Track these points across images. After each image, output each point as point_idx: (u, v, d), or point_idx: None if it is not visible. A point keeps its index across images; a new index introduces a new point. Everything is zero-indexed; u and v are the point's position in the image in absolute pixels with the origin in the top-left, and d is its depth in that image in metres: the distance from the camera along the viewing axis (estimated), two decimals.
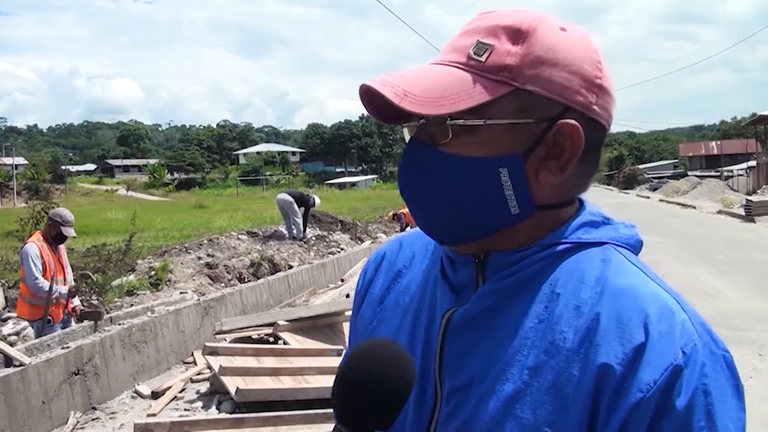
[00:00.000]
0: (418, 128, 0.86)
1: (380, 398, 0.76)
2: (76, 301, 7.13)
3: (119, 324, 6.82)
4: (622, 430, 0.74)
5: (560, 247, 0.85)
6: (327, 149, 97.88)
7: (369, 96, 0.84)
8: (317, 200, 16.02)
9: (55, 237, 6.67)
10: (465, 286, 0.89)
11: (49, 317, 6.51)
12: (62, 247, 6.85)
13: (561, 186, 0.86)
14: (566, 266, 0.84)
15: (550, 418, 0.77)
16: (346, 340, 7.26)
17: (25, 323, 7.15)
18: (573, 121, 0.82)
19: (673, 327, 0.76)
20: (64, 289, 6.65)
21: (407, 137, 0.90)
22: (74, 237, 7.20)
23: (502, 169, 0.82)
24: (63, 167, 77.12)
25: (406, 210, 20.12)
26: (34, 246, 6.45)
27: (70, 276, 6.93)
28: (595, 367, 0.76)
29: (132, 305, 8.95)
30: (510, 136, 0.82)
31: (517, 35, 0.82)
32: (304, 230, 15.25)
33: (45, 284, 6.35)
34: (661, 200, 44.68)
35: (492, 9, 0.88)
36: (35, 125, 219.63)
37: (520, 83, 0.81)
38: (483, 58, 0.82)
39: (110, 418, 5.70)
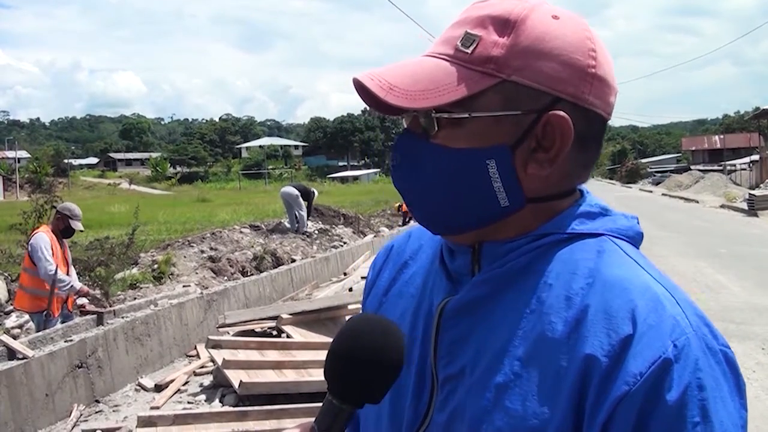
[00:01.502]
0: (411, 120, 0.87)
1: (368, 370, 0.77)
2: (82, 299, 7.14)
3: (122, 317, 6.83)
4: (609, 424, 0.72)
5: (554, 238, 0.84)
6: (329, 143, 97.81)
7: (363, 89, 0.84)
8: (316, 193, 16.16)
9: (63, 231, 6.67)
10: (462, 275, 0.89)
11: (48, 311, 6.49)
12: (65, 243, 6.85)
13: (555, 177, 0.84)
14: (560, 257, 0.83)
15: (538, 410, 0.76)
16: None
17: (27, 316, 7.16)
18: (562, 113, 0.81)
19: (662, 319, 0.74)
20: (78, 285, 6.66)
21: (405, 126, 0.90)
22: (82, 231, 7.21)
23: (489, 161, 0.82)
24: (66, 161, 77.31)
25: None
26: (45, 236, 6.45)
27: (73, 272, 6.94)
28: (581, 359, 0.74)
29: (135, 298, 8.97)
30: (498, 128, 0.81)
31: (504, 25, 0.81)
32: (306, 223, 15.27)
33: (61, 274, 6.35)
34: (663, 194, 44.64)
35: None
36: (38, 119, 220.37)
37: (506, 75, 0.80)
38: (469, 50, 0.81)
39: (113, 410, 5.72)
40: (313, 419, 0.79)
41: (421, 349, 0.90)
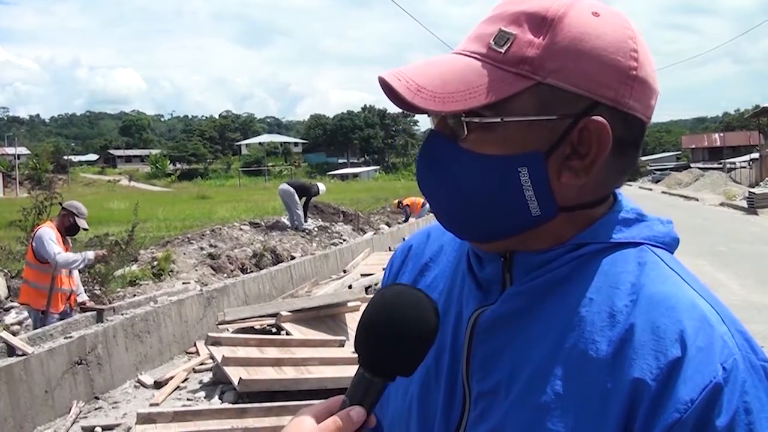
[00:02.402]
0: (439, 121, 0.83)
1: (399, 342, 0.75)
2: (83, 296, 7.15)
3: (122, 314, 6.83)
4: None
5: (592, 248, 0.80)
6: (329, 140, 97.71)
7: (389, 88, 0.79)
8: (321, 188, 16.01)
9: (68, 228, 6.69)
10: (492, 283, 0.85)
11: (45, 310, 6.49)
12: (68, 240, 6.86)
13: (590, 185, 0.80)
14: (600, 269, 0.79)
15: None
16: (349, 330, 7.25)
17: (26, 313, 7.15)
18: (600, 118, 0.76)
19: (712, 341, 0.71)
20: (91, 254, 6.72)
21: (433, 126, 0.86)
22: (86, 230, 7.21)
23: (521, 168, 0.77)
24: (65, 157, 77.18)
25: (411, 200, 20.14)
26: (50, 230, 6.46)
27: (75, 272, 6.93)
28: (629, 382, 0.71)
29: (135, 295, 8.98)
30: (531, 134, 0.77)
31: (541, 24, 0.76)
32: (305, 220, 15.27)
33: (69, 255, 6.39)
34: (663, 192, 44.63)
35: None
36: (37, 115, 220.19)
37: (541, 77, 0.75)
38: (503, 49, 0.77)
39: (113, 407, 5.72)
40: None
41: (451, 359, 0.86)
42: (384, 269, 1.09)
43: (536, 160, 0.77)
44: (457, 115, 0.77)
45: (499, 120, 0.76)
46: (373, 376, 0.76)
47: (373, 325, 0.77)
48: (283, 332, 7.08)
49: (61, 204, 7.09)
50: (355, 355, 0.79)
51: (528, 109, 0.76)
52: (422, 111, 0.78)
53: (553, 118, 0.77)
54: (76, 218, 6.66)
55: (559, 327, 0.77)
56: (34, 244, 6.43)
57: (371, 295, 9.09)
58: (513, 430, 0.77)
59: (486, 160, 0.78)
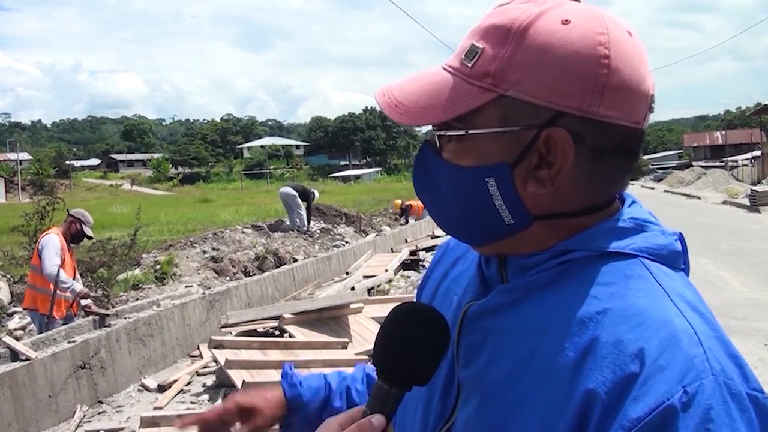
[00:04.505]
0: (430, 132, 0.86)
1: (414, 357, 0.80)
2: (86, 300, 7.14)
3: (125, 318, 6.84)
4: None
5: (580, 254, 0.80)
6: (331, 142, 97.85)
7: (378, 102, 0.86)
8: (316, 194, 16.16)
9: (74, 235, 6.71)
10: (494, 281, 0.89)
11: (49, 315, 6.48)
12: (72, 248, 6.86)
13: (565, 193, 0.80)
14: (583, 277, 0.78)
15: None
16: (351, 332, 7.23)
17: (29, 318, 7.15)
18: (560, 129, 0.76)
19: (674, 361, 0.67)
20: (79, 286, 6.65)
21: (427, 137, 0.91)
22: (92, 238, 7.21)
23: (488, 179, 0.79)
24: (67, 162, 77.37)
25: (413, 202, 20.16)
26: (57, 238, 6.46)
27: (78, 278, 6.94)
28: (584, 393, 0.70)
29: (137, 299, 8.99)
30: (496, 145, 0.78)
31: (505, 37, 0.77)
32: (308, 223, 15.30)
33: (63, 275, 6.33)
34: (665, 191, 44.61)
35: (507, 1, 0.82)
36: (39, 120, 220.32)
37: (503, 89, 0.76)
38: (470, 63, 0.79)
39: (117, 411, 5.73)
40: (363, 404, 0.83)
41: (452, 347, 0.90)
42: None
43: (502, 171, 0.79)
44: (432, 128, 0.83)
45: (464, 132, 0.80)
46: (391, 387, 0.81)
47: (390, 341, 0.82)
48: (286, 335, 7.08)
49: (68, 211, 7.10)
50: (358, 357, 0.81)
51: (492, 121, 0.78)
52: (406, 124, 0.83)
53: (515, 129, 0.78)
54: (83, 226, 6.69)
55: (535, 329, 0.78)
56: (40, 248, 6.43)
57: (374, 297, 9.10)
58: (486, 422, 0.80)
59: (459, 171, 0.81)
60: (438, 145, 0.84)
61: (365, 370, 1.26)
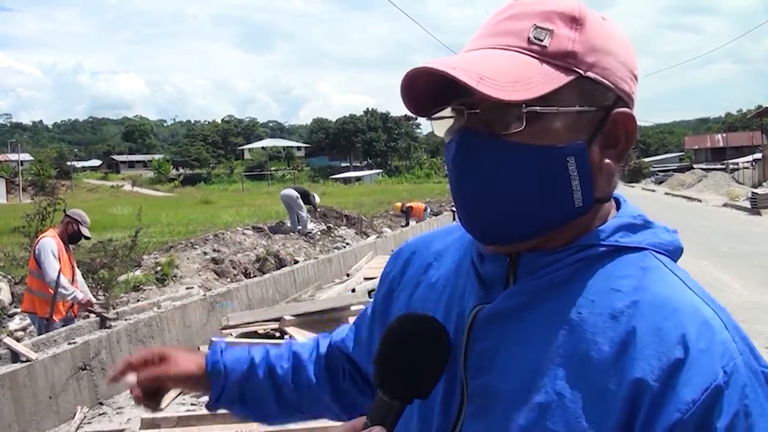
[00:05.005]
0: (469, 117, 0.81)
1: (414, 369, 0.80)
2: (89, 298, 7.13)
3: (126, 319, 6.84)
4: None
5: (595, 251, 0.82)
6: (332, 144, 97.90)
7: (412, 81, 0.81)
8: (317, 198, 16.22)
9: (71, 236, 6.66)
10: (495, 282, 0.86)
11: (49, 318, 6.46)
12: (70, 248, 6.84)
13: (607, 178, 0.85)
14: (602, 272, 0.80)
15: None
16: None
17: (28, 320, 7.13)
18: (628, 110, 0.83)
19: (713, 344, 0.72)
20: (80, 295, 6.60)
21: (437, 130, 0.87)
22: (89, 239, 7.18)
23: (569, 158, 0.79)
24: (68, 163, 77.40)
25: (413, 204, 20.15)
26: (52, 241, 6.43)
27: (79, 277, 6.92)
28: (631, 383, 0.72)
29: (138, 300, 8.98)
30: (575, 125, 0.80)
31: (573, 21, 0.81)
32: (309, 225, 15.33)
33: (64, 280, 6.28)
34: (666, 193, 44.67)
35: None
36: (40, 121, 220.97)
37: (583, 70, 0.80)
38: (545, 43, 0.80)
39: (117, 412, 5.73)
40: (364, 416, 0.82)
41: (459, 356, 0.87)
42: (386, 266, 1.11)
43: (582, 150, 0.80)
44: (518, 105, 0.78)
45: (556, 110, 0.79)
46: (392, 399, 0.80)
47: (389, 355, 0.81)
48: (287, 336, 7.08)
49: (64, 211, 7.08)
50: None
51: (573, 101, 0.80)
52: (441, 105, 0.84)
53: (592, 110, 0.81)
54: (80, 226, 6.66)
55: (559, 327, 0.79)
56: (37, 253, 6.40)
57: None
58: (512, 428, 0.78)
59: (538, 151, 0.79)
60: (491, 129, 0.80)
61: (292, 348, 1.24)
